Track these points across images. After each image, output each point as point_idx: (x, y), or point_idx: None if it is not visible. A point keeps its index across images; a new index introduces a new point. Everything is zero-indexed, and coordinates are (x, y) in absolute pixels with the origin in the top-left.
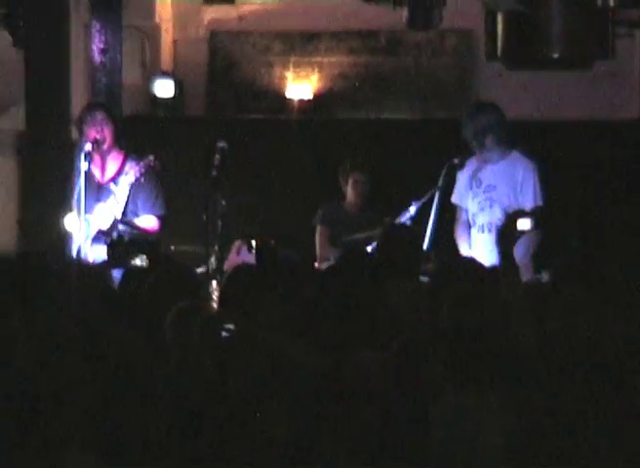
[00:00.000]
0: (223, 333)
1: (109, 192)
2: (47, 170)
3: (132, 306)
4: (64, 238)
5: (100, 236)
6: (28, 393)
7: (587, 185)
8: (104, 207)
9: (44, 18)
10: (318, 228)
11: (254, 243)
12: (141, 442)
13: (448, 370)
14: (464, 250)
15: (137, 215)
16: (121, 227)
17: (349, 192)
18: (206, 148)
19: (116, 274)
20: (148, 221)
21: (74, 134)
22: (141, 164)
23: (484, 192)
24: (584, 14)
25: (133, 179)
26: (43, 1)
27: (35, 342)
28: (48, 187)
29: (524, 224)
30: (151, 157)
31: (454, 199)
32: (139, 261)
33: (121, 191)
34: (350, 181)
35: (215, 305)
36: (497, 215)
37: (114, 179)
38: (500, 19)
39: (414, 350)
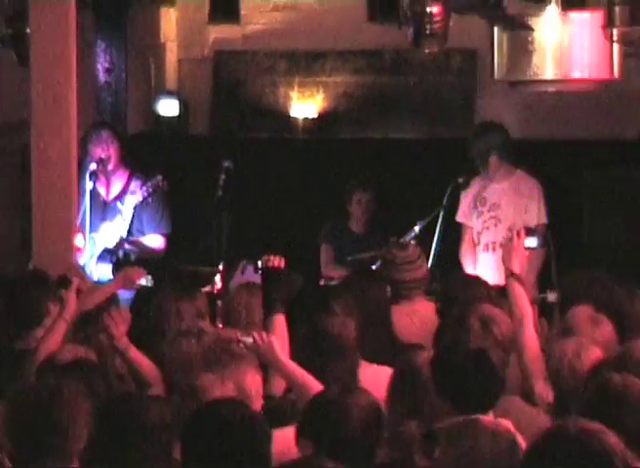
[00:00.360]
0: (241, 345)
1: (115, 211)
2: (51, 189)
3: (140, 327)
4: (69, 258)
5: (105, 254)
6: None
7: (593, 204)
8: (110, 225)
9: (49, 38)
10: (323, 247)
11: (259, 263)
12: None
13: (447, 392)
14: (469, 269)
15: (143, 234)
16: (127, 246)
17: (353, 211)
18: (211, 167)
19: (122, 294)
20: (154, 240)
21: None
22: (149, 184)
23: (488, 211)
24: (589, 33)
25: (140, 199)
26: (48, 21)
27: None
28: (52, 206)
29: (531, 242)
30: (159, 177)
31: (458, 218)
32: (144, 282)
33: (127, 210)
34: (354, 200)
35: (220, 325)
36: (501, 234)
37: (120, 198)
38: (505, 38)
39: (414, 372)
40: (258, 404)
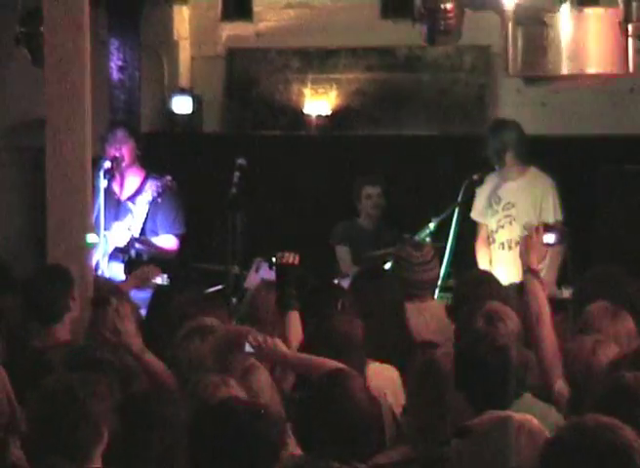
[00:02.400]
0: (247, 348)
1: (127, 210)
2: (66, 187)
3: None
4: (84, 256)
5: (116, 254)
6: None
7: (608, 201)
8: (121, 224)
9: (63, 36)
10: (338, 248)
11: (274, 259)
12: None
13: (466, 388)
14: (484, 266)
15: (156, 234)
16: (137, 245)
17: (363, 207)
18: (224, 165)
19: (136, 294)
20: (167, 240)
21: (95, 151)
22: (158, 184)
23: (503, 209)
24: (604, 29)
25: (150, 198)
26: (61, 19)
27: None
28: (67, 205)
29: (549, 238)
30: (168, 177)
31: (473, 215)
32: (159, 280)
33: (138, 209)
34: (363, 196)
35: (233, 323)
36: (517, 232)
37: (132, 198)
38: (519, 34)
39: (432, 371)
40: (269, 398)
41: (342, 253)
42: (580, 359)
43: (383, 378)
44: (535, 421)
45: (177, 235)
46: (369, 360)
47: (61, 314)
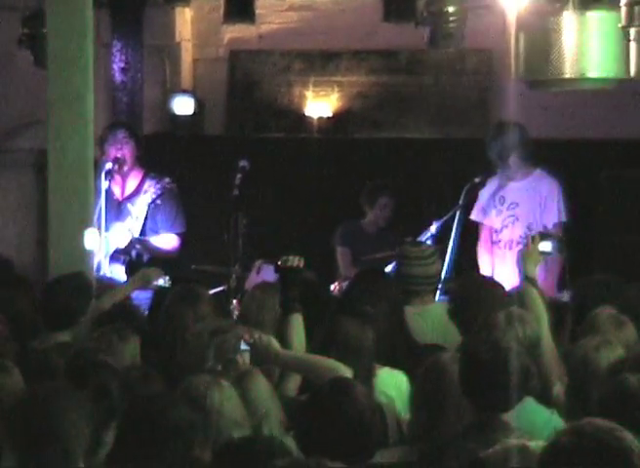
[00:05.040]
0: (242, 346)
1: (127, 211)
2: (68, 189)
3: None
4: (86, 257)
5: (116, 255)
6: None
7: (609, 205)
8: (122, 225)
9: (66, 38)
10: (339, 249)
11: (279, 262)
12: None
13: (471, 390)
14: (486, 267)
15: (156, 233)
16: (137, 246)
17: (376, 215)
18: (226, 167)
19: (139, 295)
20: (167, 240)
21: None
22: (158, 186)
23: (507, 209)
24: (606, 32)
25: (149, 200)
26: (64, 21)
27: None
28: (69, 207)
29: (545, 246)
30: (167, 179)
31: (473, 216)
32: (161, 282)
33: (138, 210)
34: (379, 205)
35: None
36: (519, 233)
37: (131, 198)
38: (521, 37)
39: (435, 375)
40: (269, 406)
41: (343, 254)
42: (579, 357)
43: (391, 384)
44: None
45: (178, 234)
46: (377, 365)
47: (70, 324)
